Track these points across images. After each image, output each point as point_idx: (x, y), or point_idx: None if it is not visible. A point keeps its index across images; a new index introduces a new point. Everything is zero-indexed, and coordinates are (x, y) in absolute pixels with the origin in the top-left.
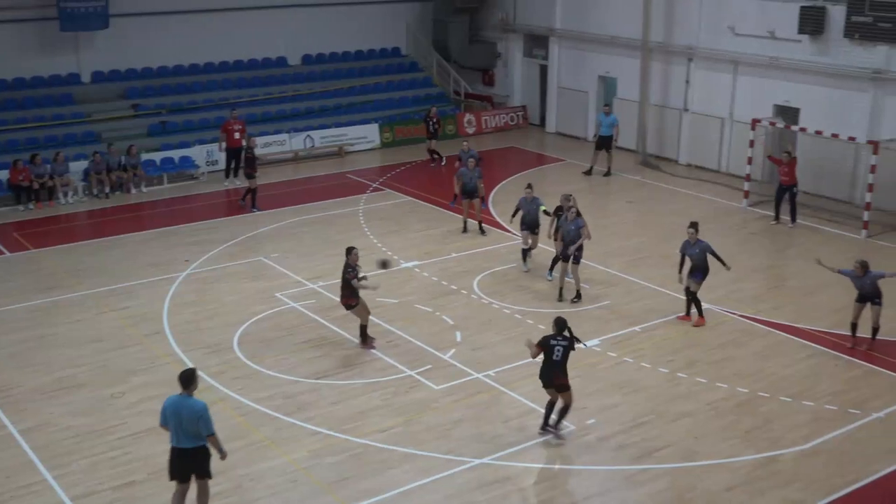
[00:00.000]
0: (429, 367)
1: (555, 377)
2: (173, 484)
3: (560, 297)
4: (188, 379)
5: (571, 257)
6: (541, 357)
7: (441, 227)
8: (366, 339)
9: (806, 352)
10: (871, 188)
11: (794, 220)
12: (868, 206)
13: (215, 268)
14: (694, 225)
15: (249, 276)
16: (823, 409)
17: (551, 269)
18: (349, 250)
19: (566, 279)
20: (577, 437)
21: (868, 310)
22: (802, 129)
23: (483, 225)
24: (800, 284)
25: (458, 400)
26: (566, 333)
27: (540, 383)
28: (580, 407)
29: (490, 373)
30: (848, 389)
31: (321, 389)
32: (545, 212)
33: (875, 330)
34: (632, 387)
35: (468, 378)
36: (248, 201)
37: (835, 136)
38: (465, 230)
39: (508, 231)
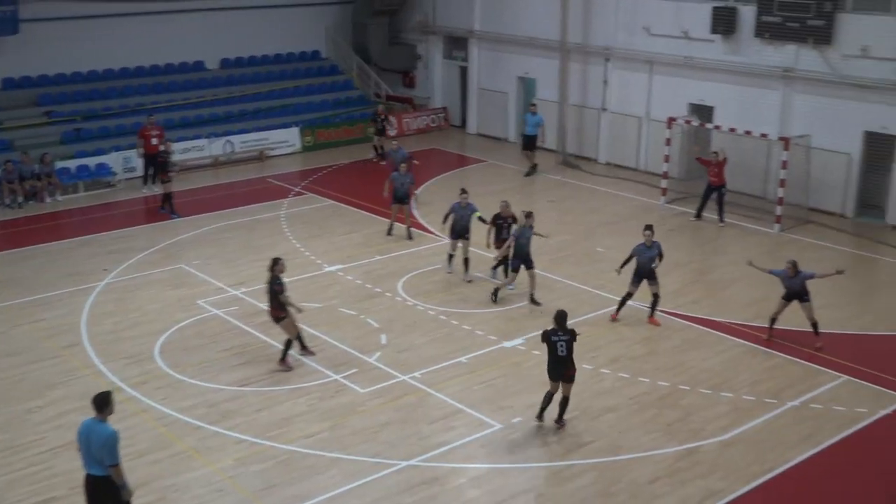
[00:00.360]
0: (354, 370)
1: (565, 371)
2: None
3: (495, 299)
4: (102, 402)
5: (529, 265)
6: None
7: (364, 229)
8: (285, 358)
9: (724, 345)
10: (782, 183)
11: (721, 219)
12: (780, 201)
13: (135, 276)
14: (650, 227)
15: (170, 284)
16: (742, 399)
17: (506, 275)
18: (275, 262)
19: (508, 287)
20: (503, 435)
21: (790, 308)
22: (717, 127)
23: (411, 230)
24: (717, 279)
25: (384, 402)
26: (567, 327)
27: (458, 386)
28: (506, 406)
29: (416, 374)
30: (764, 380)
31: (245, 397)
32: (480, 219)
33: (814, 325)
34: None
35: (394, 380)
36: (167, 207)
37: (748, 132)
38: (389, 233)
39: (432, 233)
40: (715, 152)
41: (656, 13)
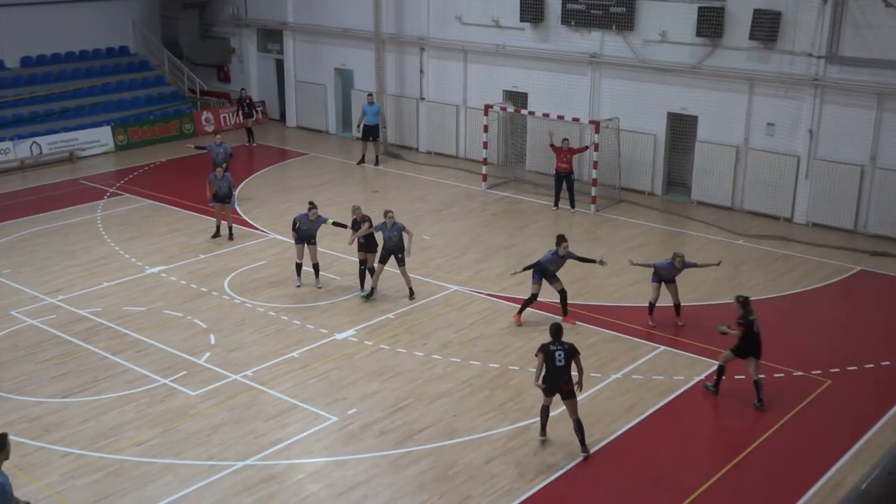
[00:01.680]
0: (183, 373)
1: (563, 384)
2: None
3: (371, 296)
4: None
5: (399, 261)
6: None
7: (186, 229)
8: None
9: (549, 324)
10: (595, 165)
11: (573, 205)
12: (594, 182)
13: None
14: (565, 237)
15: None
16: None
17: (363, 285)
18: None
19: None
20: (339, 427)
21: (665, 289)
22: (531, 113)
23: (232, 228)
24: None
25: (217, 403)
26: (563, 338)
27: (291, 382)
28: (341, 398)
29: (248, 373)
30: (588, 355)
31: (70, 408)
32: (335, 223)
33: (678, 306)
34: (390, 373)
35: (226, 380)
36: None
37: (560, 117)
38: (217, 234)
39: (256, 229)
40: (566, 139)
41: (467, 3)
